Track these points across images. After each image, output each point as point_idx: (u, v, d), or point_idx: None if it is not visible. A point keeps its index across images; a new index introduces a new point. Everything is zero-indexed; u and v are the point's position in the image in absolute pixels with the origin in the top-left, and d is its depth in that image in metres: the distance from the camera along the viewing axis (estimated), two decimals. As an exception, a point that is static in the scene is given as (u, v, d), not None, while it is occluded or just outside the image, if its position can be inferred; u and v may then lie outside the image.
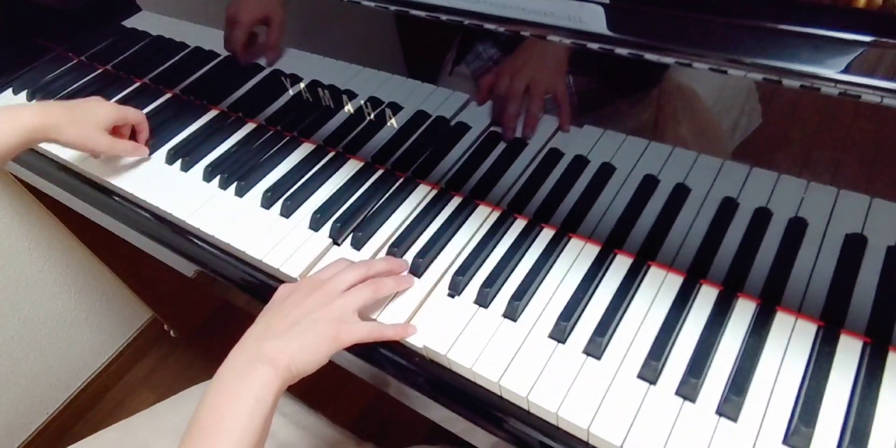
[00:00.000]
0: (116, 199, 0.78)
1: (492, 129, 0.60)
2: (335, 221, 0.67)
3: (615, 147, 0.53)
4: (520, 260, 0.61)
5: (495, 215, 0.66)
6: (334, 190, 0.71)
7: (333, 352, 0.53)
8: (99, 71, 0.96)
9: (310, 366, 0.51)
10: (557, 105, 0.54)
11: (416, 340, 0.56)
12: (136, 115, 0.78)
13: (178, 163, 0.78)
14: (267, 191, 0.71)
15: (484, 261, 0.61)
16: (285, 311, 0.54)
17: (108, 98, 0.90)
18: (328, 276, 0.57)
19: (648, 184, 0.54)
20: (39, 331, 1.23)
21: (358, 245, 0.65)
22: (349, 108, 0.70)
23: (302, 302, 0.54)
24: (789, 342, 0.51)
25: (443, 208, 0.67)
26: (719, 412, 0.48)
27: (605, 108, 0.52)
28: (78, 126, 0.70)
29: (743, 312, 0.54)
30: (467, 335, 0.55)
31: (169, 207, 0.72)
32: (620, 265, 0.59)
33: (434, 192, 0.69)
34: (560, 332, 0.54)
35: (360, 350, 0.60)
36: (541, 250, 0.61)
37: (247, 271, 0.67)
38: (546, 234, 0.63)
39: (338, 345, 0.53)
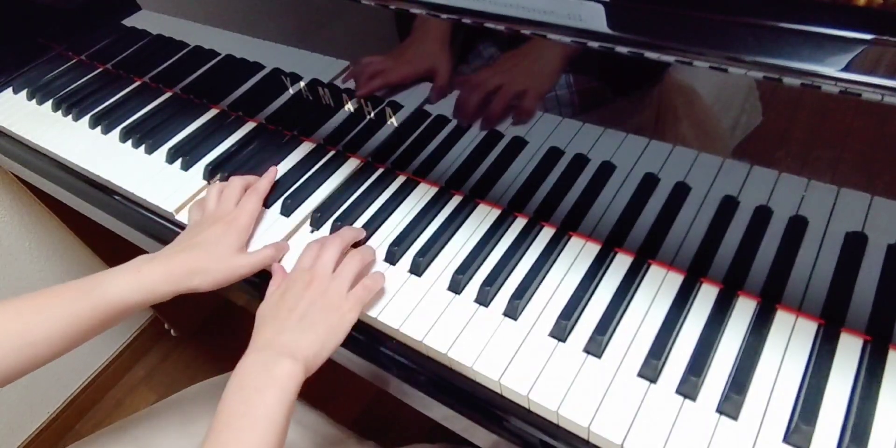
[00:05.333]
0: (117, 198, 0.78)
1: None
2: (335, 220, 0.67)
3: (615, 145, 0.53)
4: (520, 259, 0.61)
5: (495, 214, 0.66)
6: (334, 189, 0.71)
7: (348, 330, 0.55)
8: (99, 70, 0.96)
9: (327, 352, 0.54)
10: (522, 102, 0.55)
11: (417, 338, 0.56)
12: (255, 206, 0.66)
13: (179, 162, 0.78)
14: (267, 190, 0.71)
15: (484, 259, 0.61)
16: (290, 305, 0.55)
17: (109, 97, 0.90)
18: (310, 263, 0.58)
19: (649, 182, 0.54)
20: (40, 330, 1.23)
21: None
22: (349, 106, 0.70)
23: (303, 294, 0.55)
24: (790, 340, 0.52)
25: (443, 207, 0.67)
26: (720, 410, 0.48)
27: (605, 107, 0.52)
28: (216, 264, 0.60)
29: (743, 311, 0.54)
30: (468, 334, 0.55)
31: (170, 206, 0.72)
32: (621, 264, 0.59)
33: (434, 190, 0.69)
34: (560, 331, 0.54)
35: (361, 349, 0.60)
36: (541, 249, 0.61)
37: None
38: (546, 233, 0.63)
39: (349, 323, 0.55)
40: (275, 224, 0.68)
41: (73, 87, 0.93)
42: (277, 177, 0.73)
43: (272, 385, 0.49)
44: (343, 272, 0.58)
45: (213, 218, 0.65)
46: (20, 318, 0.55)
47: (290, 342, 0.52)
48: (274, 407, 0.48)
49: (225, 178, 0.74)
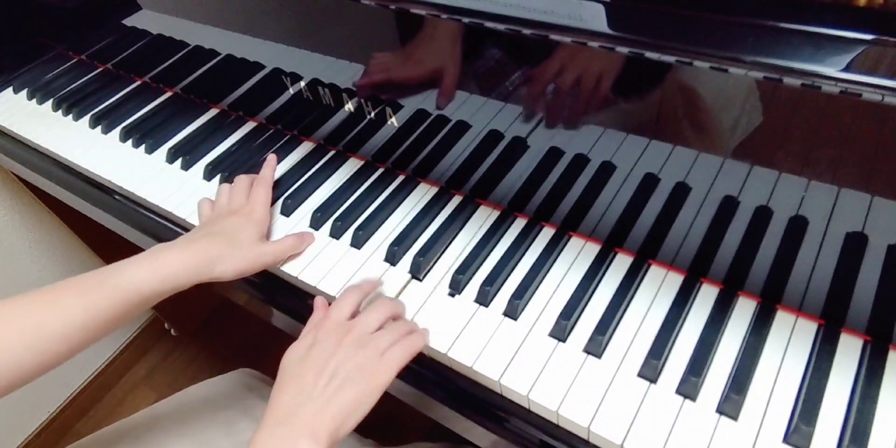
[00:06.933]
0: (117, 197, 0.78)
1: (492, 127, 0.60)
2: (336, 220, 0.67)
3: (615, 145, 0.53)
4: (520, 259, 0.61)
5: (496, 214, 0.66)
6: (335, 188, 0.71)
7: (378, 397, 0.49)
8: (99, 69, 0.96)
9: (354, 423, 0.48)
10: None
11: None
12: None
13: (179, 161, 0.78)
14: (267, 189, 0.71)
15: (484, 259, 0.61)
16: (318, 365, 0.49)
17: (109, 97, 0.90)
18: (348, 313, 0.54)
19: (649, 182, 0.54)
20: (40, 329, 1.23)
21: (358, 243, 0.65)
22: (349, 106, 0.70)
23: (334, 351, 0.50)
24: (790, 341, 0.52)
25: (443, 207, 0.67)
26: (720, 411, 0.48)
27: (605, 107, 0.52)
28: (239, 250, 0.58)
29: (743, 311, 0.54)
30: (468, 334, 0.55)
31: (170, 206, 0.72)
32: (621, 264, 0.59)
33: (434, 190, 0.69)
34: (560, 331, 0.54)
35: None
36: (541, 249, 0.61)
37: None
38: (546, 233, 0.63)
39: (381, 388, 0.49)
40: (275, 224, 0.68)
41: (73, 86, 0.93)
42: (277, 176, 0.73)
43: None
44: (384, 333, 0.52)
45: (229, 211, 0.64)
46: (33, 313, 0.51)
47: (311, 417, 0.46)
48: None
49: (225, 178, 0.74)
